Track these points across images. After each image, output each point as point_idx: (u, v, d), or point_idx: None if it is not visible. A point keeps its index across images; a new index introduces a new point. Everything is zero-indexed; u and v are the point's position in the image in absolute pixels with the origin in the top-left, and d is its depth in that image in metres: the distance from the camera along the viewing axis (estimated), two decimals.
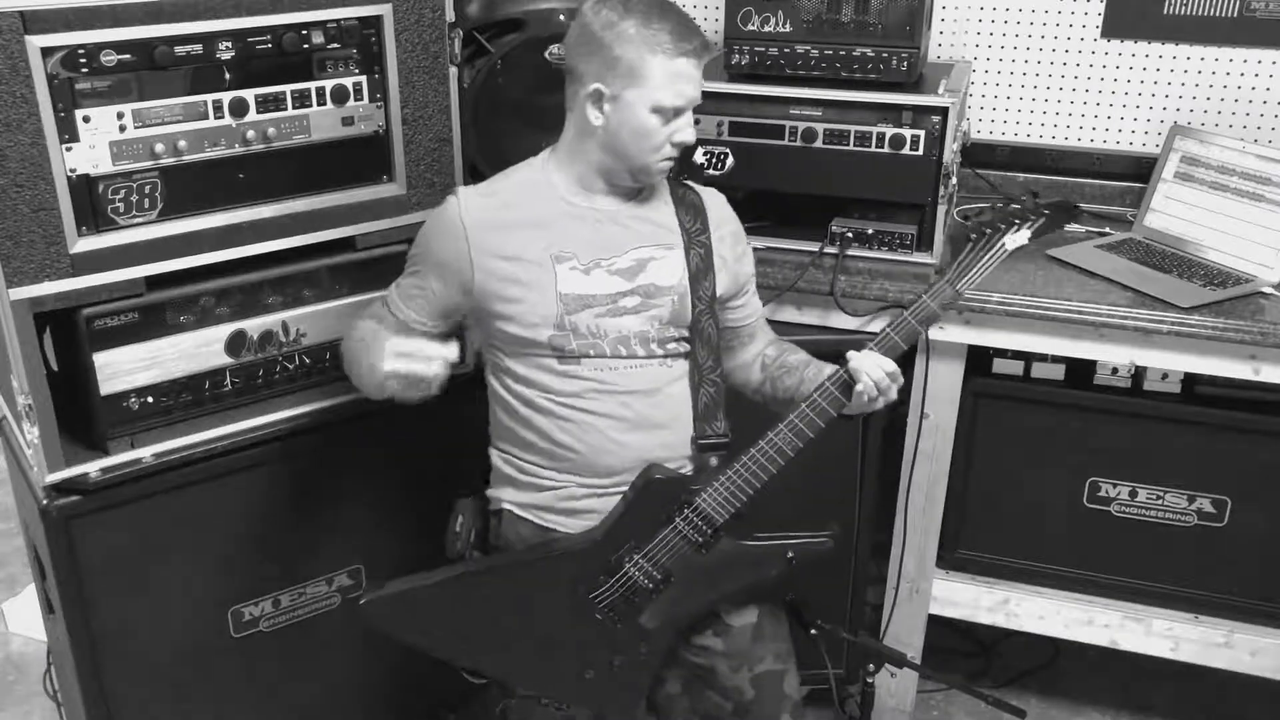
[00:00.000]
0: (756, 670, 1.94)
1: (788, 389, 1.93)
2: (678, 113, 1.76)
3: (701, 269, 1.87)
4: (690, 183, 1.96)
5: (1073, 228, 2.62)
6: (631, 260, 1.83)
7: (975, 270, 1.79)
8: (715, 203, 1.96)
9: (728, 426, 1.91)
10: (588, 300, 1.81)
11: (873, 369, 1.76)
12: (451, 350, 1.74)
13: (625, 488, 1.82)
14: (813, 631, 2.11)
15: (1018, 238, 1.79)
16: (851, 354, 1.78)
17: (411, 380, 1.72)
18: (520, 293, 1.80)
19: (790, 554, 1.85)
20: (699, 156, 2.42)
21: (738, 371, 2.02)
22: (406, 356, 1.72)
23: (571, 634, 1.84)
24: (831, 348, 1.89)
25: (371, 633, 2.33)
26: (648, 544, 1.80)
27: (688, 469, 1.87)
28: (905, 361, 2.41)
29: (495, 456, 1.96)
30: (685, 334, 1.88)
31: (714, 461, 1.87)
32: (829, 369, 1.84)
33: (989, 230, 1.78)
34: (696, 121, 1.78)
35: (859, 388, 1.76)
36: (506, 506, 1.92)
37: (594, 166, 1.82)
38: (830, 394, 1.78)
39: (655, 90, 1.73)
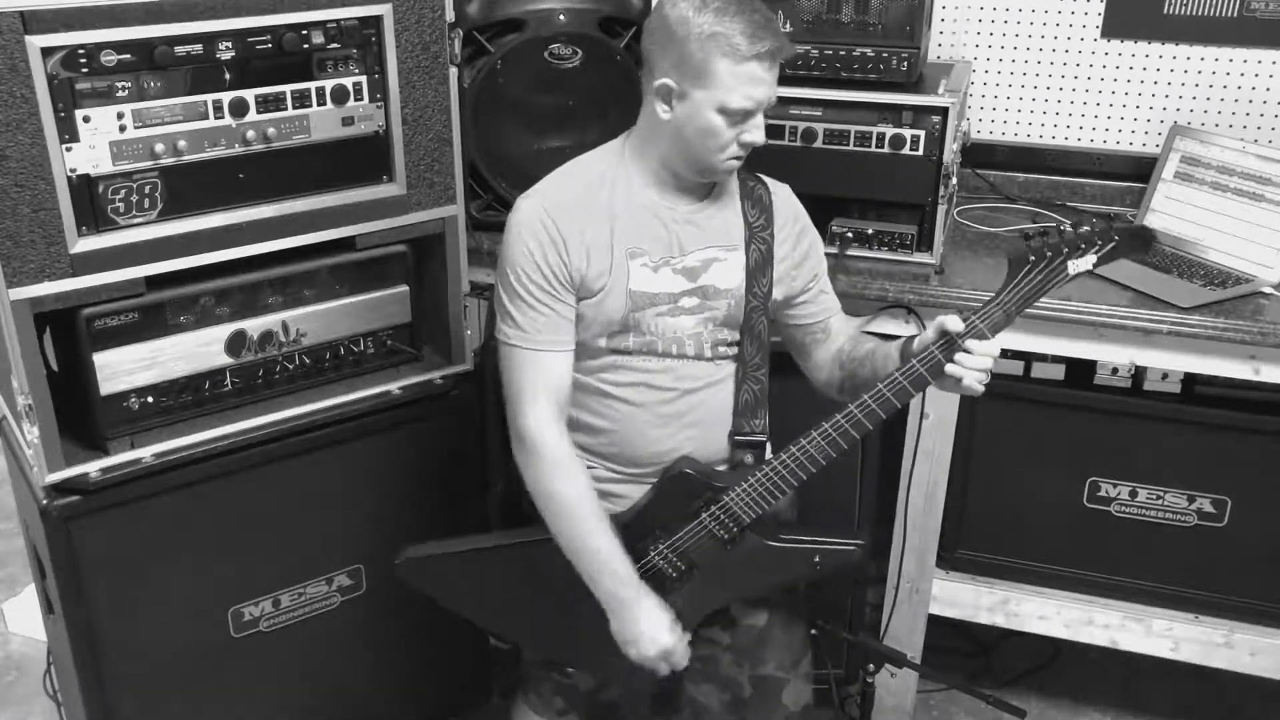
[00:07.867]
0: (758, 671, 1.93)
1: (865, 381, 1.82)
2: (746, 114, 1.70)
3: (759, 265, 1.83)
4: (762, 176, 1.91)
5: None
6: (697, 260, 1.81)
7: (1028, 295, 1.71)
8: (783, 200, 1.90)
9: (766, 424, 1.88)
10: (653, 298, 1.79)
11: (976, 364, 1.70)
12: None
13: (655, 478, 1.83)
14: (813, 631, 2.11)
15: (1080, 263, 1.69)
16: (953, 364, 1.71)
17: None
18: (596, 285, 1.77)
19: (816, 558, 1.85)
20: None
21: (816, 373, 1.96)
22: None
23: (592, 611, 1.82)
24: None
25: (371, 631, 2.36)
26: (673, 535, 1.82)
27: (722, 465, 1.87)
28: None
29: None
30: (737, 336, 1.86)
31: (748, 459, 1.86)
32: (896, 352, 1.79)
33: (1050, 253, 1.67)
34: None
35: (950, 369, 1.70)
36: None
37: (664, 161, 1.78)
38: (901, 384, 1.72)
39: (722, 92, 1.67)
